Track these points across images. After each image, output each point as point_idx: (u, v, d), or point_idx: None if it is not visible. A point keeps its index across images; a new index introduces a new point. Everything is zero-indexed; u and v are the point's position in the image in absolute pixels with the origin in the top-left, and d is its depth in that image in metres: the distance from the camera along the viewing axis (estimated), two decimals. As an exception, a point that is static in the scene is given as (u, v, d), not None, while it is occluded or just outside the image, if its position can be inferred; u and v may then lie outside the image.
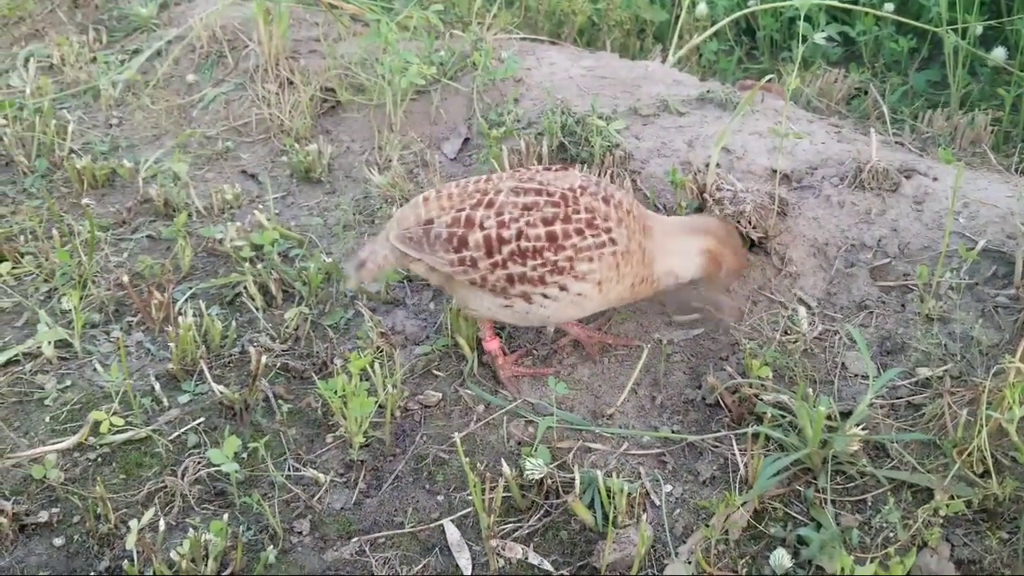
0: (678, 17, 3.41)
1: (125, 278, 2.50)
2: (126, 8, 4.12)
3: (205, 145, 3.29)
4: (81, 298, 2.49)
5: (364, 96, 3.19)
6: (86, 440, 2.11)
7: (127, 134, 3.42)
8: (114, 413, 2.13)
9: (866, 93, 3.15)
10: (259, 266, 2.56)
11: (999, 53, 3.05)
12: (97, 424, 2.10)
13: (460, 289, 2.04)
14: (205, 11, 3.78)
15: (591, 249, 1.92)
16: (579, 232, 1.92)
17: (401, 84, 2.97)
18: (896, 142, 2.76)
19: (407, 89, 3.03)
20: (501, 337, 2.23)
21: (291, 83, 3.34)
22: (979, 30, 3.06)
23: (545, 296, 1.95)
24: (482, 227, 1.94)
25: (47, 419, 2.19)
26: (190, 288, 2.59)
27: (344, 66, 3.26)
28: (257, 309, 2.47)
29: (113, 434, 2.11)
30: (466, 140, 2.98)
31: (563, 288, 1.93)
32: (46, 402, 2.24)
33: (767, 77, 2.71)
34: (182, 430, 2.13)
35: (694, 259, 2.03)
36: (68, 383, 2.30)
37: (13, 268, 2.69)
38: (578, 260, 1.92)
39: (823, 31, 2.86)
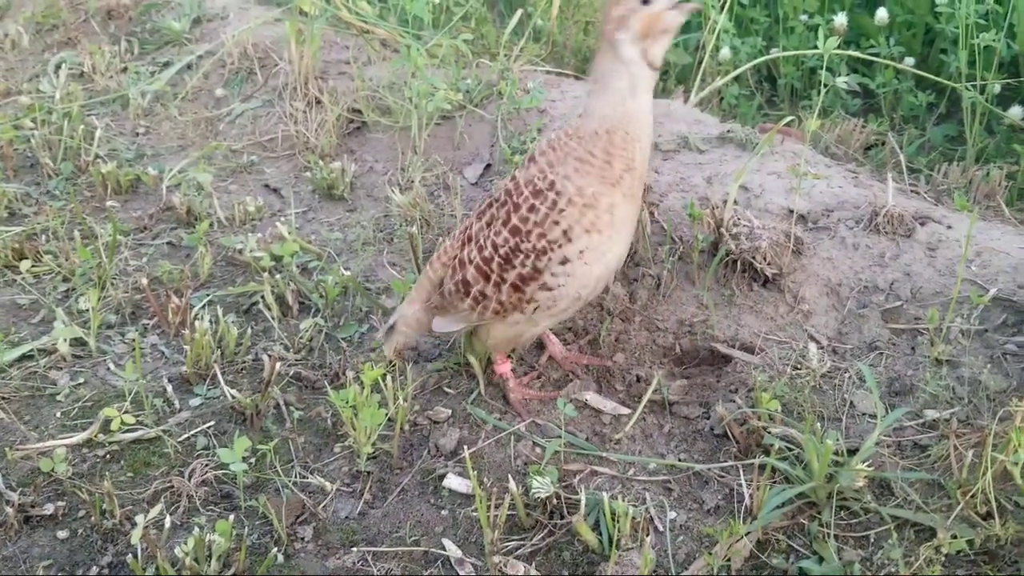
0: (701, 61, 3.47)
1: (144, 281, 2.54)
2: (160, 22, 4.21)
3: (230, 158, 3.34)
4: (99, 298, 2.52)
5: (390, 118, 3.24)
6: (96, 437, 2.12)
7: (153, 143, 3.48)
8: (125, 412, 2.15)
9: (884, 143, 3.19)
10: (277, 277, 2.59)
11: (1016, 111, 3.09)
12: (108, 421, 2.11)
13: (495, 329, 2.08)
14: (238, 28, 3.86)
15: (551, 214, 1.88)
16: (531, 208, 1.90)
17: (427, 108, 3.03)
18: (912, 191, 2.79)
19: (433, 114, 3.08)
20: (512, 359, 2.25)
21: (319, 102, 3.40)
22: (997, 88, 3.11)
23: (555, 276, 1.92)
24: (470, 261, 2.00)
25: (58, 414, 2.21)
26: (207, 295, 2.62)
27: (372, 88, 3.32)
28: (273, 319, 2.50)
29: (123, 432, 2.13)
30: (488, 166, 3.02)
31: (565, 260, 1.90)
32: (58, 398, 2.26)
33: (787, 119, 2.75)
34: (192, 432, 2.15)
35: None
36: (81, 380, 2.32)
37: (33, 266, 2.72)
38: (549, 230, 1.89)
39: (843, 80, 2.91)
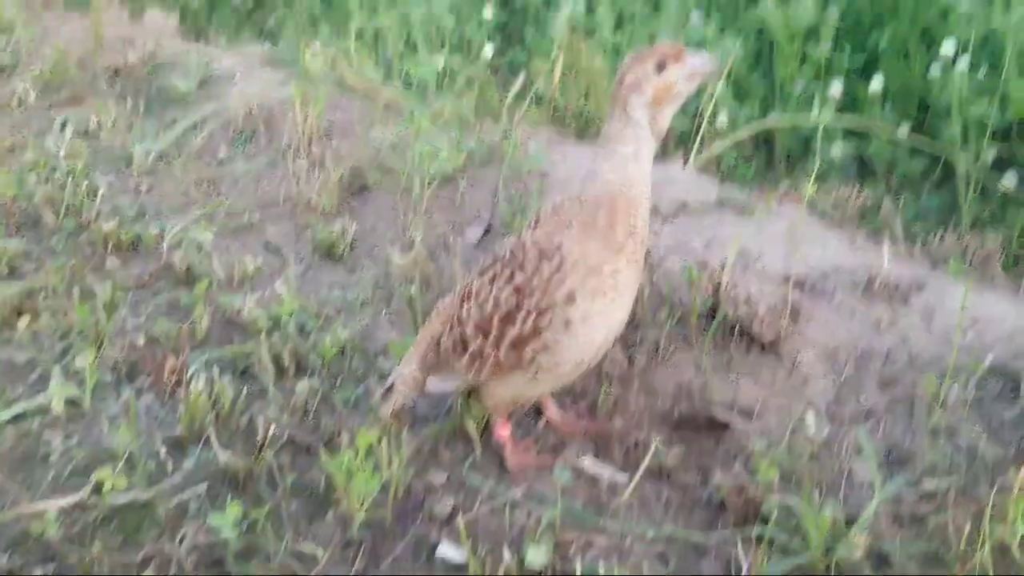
0: (700, 126, 3.51)
1: (141, 340, 2.54)
2: (166, 82, 4.27)
3: (231, 217, 3.37)
4: (96, 357, 2.52)
5: (392, 179, 3.28)
6: (88, 499, 2.10)
7: (155, 201, 3.50)
8: (118, 474, 2.14)
9: (879, 209, 3.21)
10: (274, 337, 2.59)
11: (1010, 179, 3.11)
12: (100, 484, 2.10)
13: (493, 389, 2.07)
14: (243, 89, 3.91)
15: (555, 275, 1.89)
16: (536, 270, 1.91)
17: (429, 170, 3.06)
18: (908, 257, 2.80)
19: (435, 175, 3.12)
20: (511, 423, 2.24)
21: (322, 163, 3.43)
22: (991, 156, 3.14)
23: (557, 338, 1.92)
24: (469, 318, 2.01)
25: (50, 475, 2.20)
26: (204, 355, 2.61)
27: (375, 149, 3.36)
28: (269, 380, 2.49)
29: (115, 495, 2.11)
30: (488, 227, 3.04)
31: (568, 323, 1.90)
32: (51, 458, 2.25)
33: (784, 187, 2.78)
34: (184, 495, 2.13)
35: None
36: (75, 441, 2.31)
37: (30, 323, 2.73)
38: (553, 291, 1.90)
39: (839, 147, 2.95)
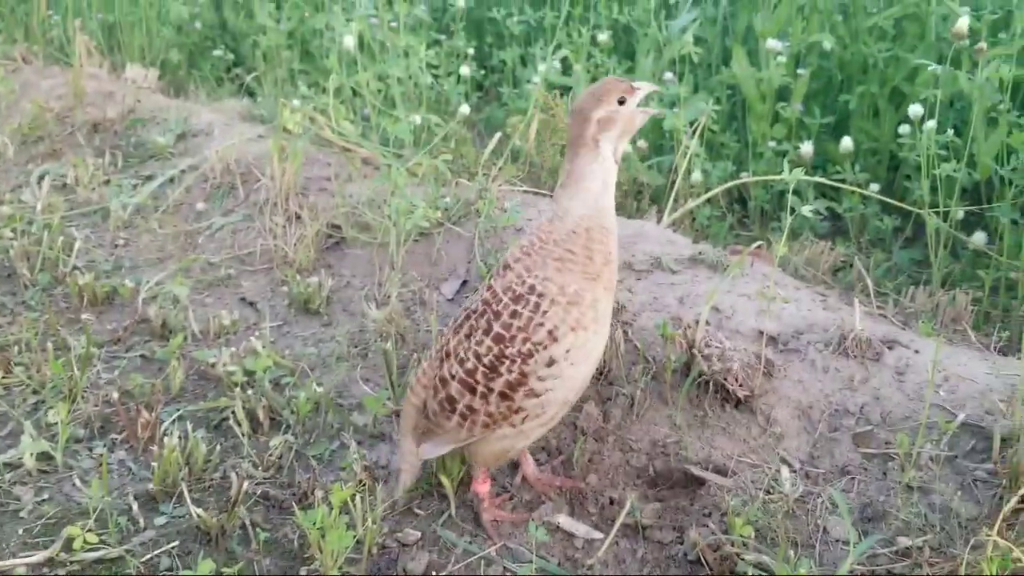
0: (674, 182, 3.56)
1: (115, 395, 2.52)
2: (145, 136, 4.29)
3: (208, 271, 3.36)
4: (68, 412, 2.50)
5: (369, 234, 3.29)
6: (58, 556, 2.07)
7: (132, 255, 3.50)
8: (89, 530, 2.11)
9: (851, 266, 3.26)
10: (249, 392, 2.58)
11: (979, 237, 3.18)
12: (71, 540, 2.07)
13: (483, 446, 2.06)
14: (221, 144, 3.93)
15: (535, 316, 1.91)
16: (513, 314, 1.93)
17: (406, 225, 3.08)
18: (880, 314, 2.84)
19: (411, 230, 3.13)
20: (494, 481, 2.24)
21: (299, 217, 3.44)
22: (960, 214, 3.20)
23: (543, 380, 1.93)
24: (452, 376, 2.00)
25: (20, 531, 2.16)
26: (178, 410, 2.60)
27: (352, 205, 3.37)
28: (243, 435, 2.48)
29: (86, 551, 2.08)
30: (464, 282, 3.06)
31: (551, 362, 1.92)
32: (21, 514, 2.22)
33: (756, 244, 2.82)
34: (156, 552, 2.10)
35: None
36: (46, 496, 2.28)
37: (3, 378, 2.70)
38: (534, 333, 1.91)
39: (811, 205, 2.99)
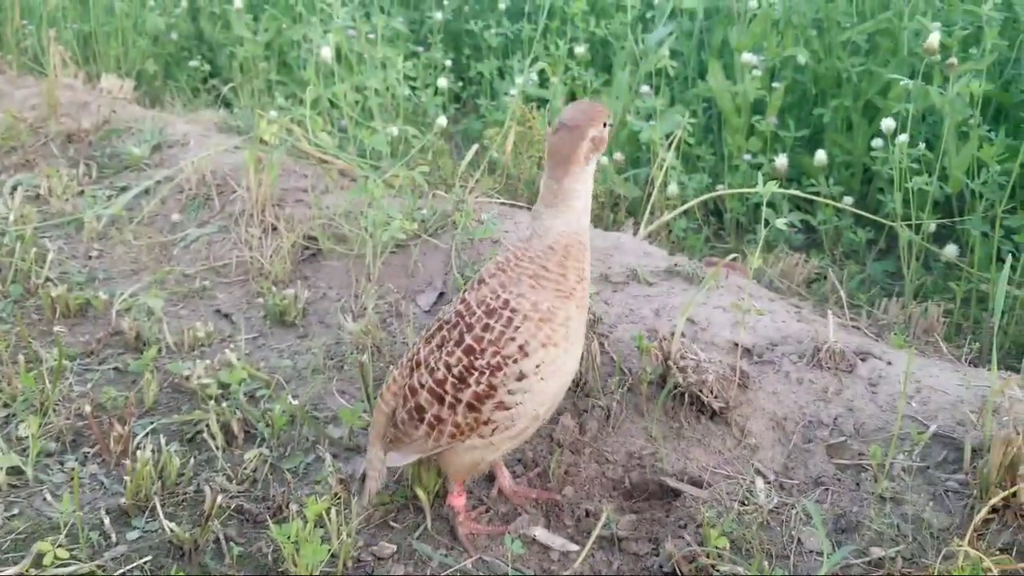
0: (650, 195, 3.58)
1: (87, 408, 2.50)
2: (120, 147, 4.26)
3: (182, 283, 3.34)
4: (40, 426, 2.47)
5: (345, 246, 3.28)
6: (28, 572, 2.04)
7: (106, 267, 3.47)
8: (59, 545, 2.08)
9: (825, 278, 3.29)
10: (223, 405, 2.56)
11: (951, 250, 3.21)
12: (41, 556, 2.04)
13: (452, 457, 2.06)
14: (197, 155, 3.92)
15: (506, 331, 1.92)
16: (486, 328, 1.93)
17: (382, 237, 3.07)
18: (853, 326, 2.87)
19: (388, 242, 3.13)
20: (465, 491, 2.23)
21: (275, 229, 3.43)
22: (932, 227, 3.24)
23: (512, 393, 1.93)
24: (422, 386, 2.01)
25: (-11, 547, 2.14)
26: (151, 423, 2.57)
27: (328, 216, 3.37)
28: (217, 448, 2.46)
29: (56, 567, 2.05)
30: (441, 294, 3.06)
31: (521, 376, 1.92)
32: (-10, 530, 2.19)
33: (732, 256, 2.84)
34: (128, 567, 2.08)
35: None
36: (16, 511, 2.25)
37: (-26, 391, 2.67)
38: (504, 347, 1.92)
39: (785, 217, 3.02)
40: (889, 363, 2.48)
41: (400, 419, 2.06)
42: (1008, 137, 3.15)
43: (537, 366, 1.93)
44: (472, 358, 1.94)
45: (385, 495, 2.27)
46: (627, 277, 2.90)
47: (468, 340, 1.94)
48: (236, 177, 3.75)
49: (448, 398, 1.97)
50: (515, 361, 1.92)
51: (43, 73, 5.16)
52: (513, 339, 1.92)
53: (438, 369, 1.98)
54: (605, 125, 1.97)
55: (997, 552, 1.91)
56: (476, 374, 1.94)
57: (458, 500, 2.17)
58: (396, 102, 4.08)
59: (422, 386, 2.01)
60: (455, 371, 1.96)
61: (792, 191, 3.26)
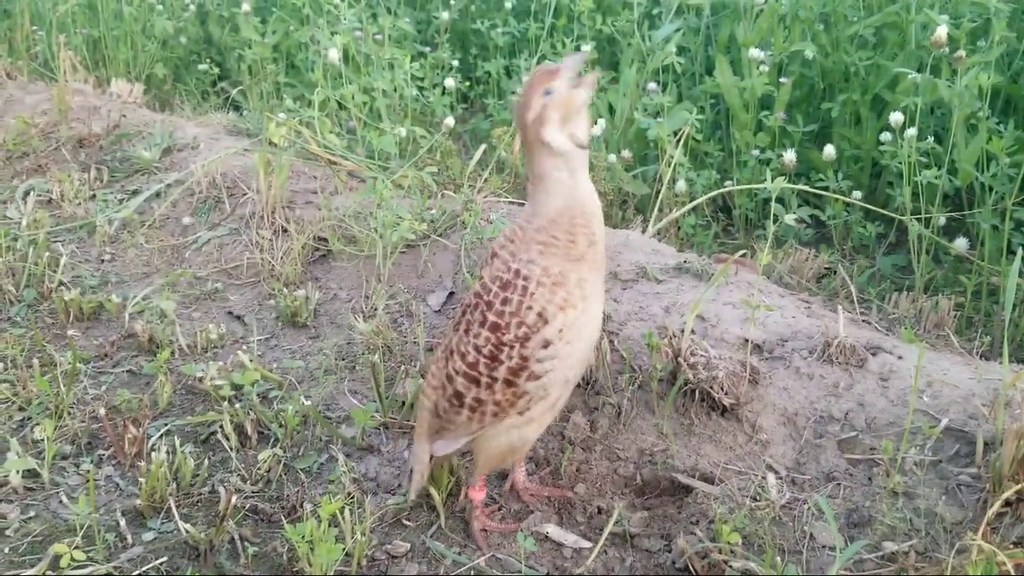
0: (659, 192, 3.58)
1: (101, 411, 2.51)
2: (130, 151, 4.28)
3: (194, 285, 3.36)
4: (55, 428, 2.49)
5: (355, 247, 3.30)
6: (45, 574, 2.06)
7: (118, 270, 3.49)
8: (76, 547, 2.10)
9: (835, 273, 3.29)
10: (237, 406, 2.58)
11: (961, 243, 3.21)
12: (58, 558, 2.06)
13: (494, 439, 2.07)
14: (207, 158, 3.94)
15: (524, 300, 1.92)
16: (504, 301, 1.93)
17: (392, 238, 3.09)
18: (863, 320, 2.86)
19: (397, 243, 3.14)
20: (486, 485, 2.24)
21: (285, 231, 3.45)
22: (942, 220, 3.23)
23: (541, 361, 1.93)
24: (457, 372, 2.01)
25: (7, 550, 2.15)
26: (166, 424, 2.59)
27: (338, 218, 3.38)
28: (231, 449, 2.47)
29: (73, 569, 2.07)
30: (451, 294, 3.07)
31: (547, 343, 1.92)
32: (7, 532, 2.20)
33: (741, 252, 2.84)
34: (144, 568, 2.09)
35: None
36: (32, 514, 2.27)
37: (-11, 395, 2.69)
38: (525, 316, 1.91)
39: (794, 213, 3.02)
40: (900, 357, 2.48)
41: (442, 408, 2.06)
42: (1017, 129, 3.14)
43: (560, 331, 1.92)
44: (499, 335, 1.94)
45: (399, 495, 2.29)
46: (636, 275, 2.91)
47: (491, 318, 1.94)
48: (246, 179, 3.77)
49: (484, 379, 1.97)
50: (538, 330, 1.91)
51: (53, 78, 5.20)
52: (531, 307, 1.91)
53: (468, 353, 1.98)
54: (549, 91, 1.88)
55: (1011, 546, 1.90)
56: (507, 349, 1.93)
57: (478, 494, 2.17)
58: (404, 103, 4.09)
59: (457, 372, 2.01)
60: (485, 351, 1.96)
61: (801, 186, 3.26)
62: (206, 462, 2.41)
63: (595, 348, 2.24)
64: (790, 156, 3.56)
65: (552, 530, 2.18)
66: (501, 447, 2.08)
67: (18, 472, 2.35)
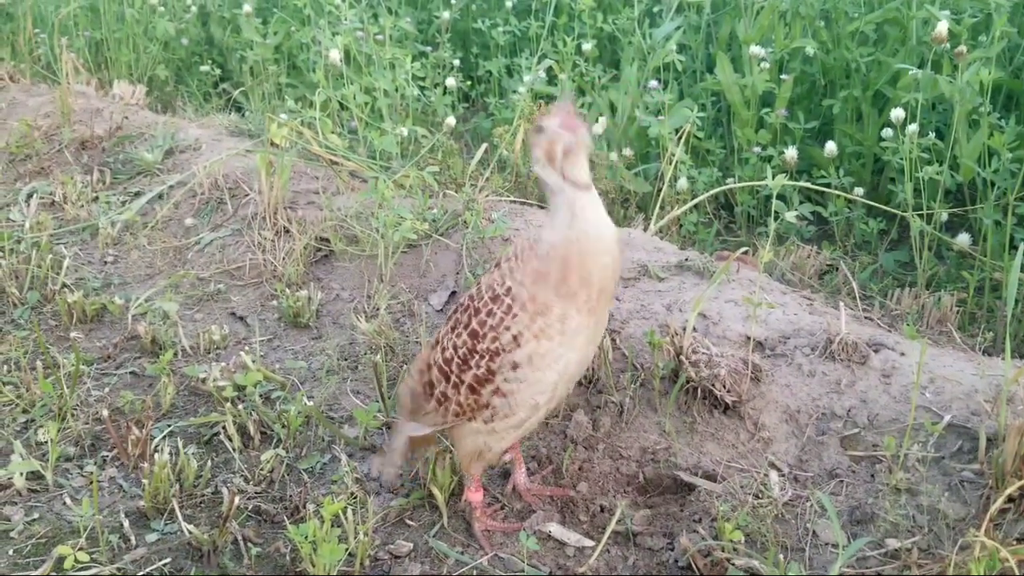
0: (660, 190, 3.58)
1: (105, 412, 2.52)
2: (132, 153, 4.29)
3: (197, 286, 3.37)
4: (58, 431, 2.50)
5: (357, 247, 3.30)
6: (49, 575, 2.07)
7: (121, 272, 3.50)
8: (80, 549, 2.10)
9: (837, 269, 3.28)
10: (240, 407, 2.59)
11: (963, 239, 3.20)
12: (62, 559, 2.07)
13: (461, 437, 2.10)
14: (209, 159, 3.94)
15: (504, 319, 1.92)
16: (489, 313, 1.95)
17: (394, 238, 3.09)
18: (866, 317, 2.86)
19: (399, 243, 3.15)
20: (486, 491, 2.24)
21: (287, 231, 3.45)
22: (944, 216, 3.23)
23: (508, 381, 1.95)
24: (434, 363, 2.07)
25: (11, 552, 2.16)
26: (169, 426, 2.60)
27: (340, 218, 3.38)
28: (234, 450, 2.48)
29: (77, 570, 2.07)
30: (453, 293, 3.07)
31: (515, 365, 1.93)
32: (11, 534, 2.21)
33: (743, 249, 2.84)
34: (147, 569, 2.10)
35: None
36: (36, 516, 2.28)
37: (-7, 397, 2.70)
38: (501, 334, 1.93)
39: (796, 210, 3.01)
40: (902, 354, 2.48)
41: (416, 392, 2.13)
42: (1019, 125, 3.14)
43: (530, 357, 1.93)
44: (475, 341, 1.97)
45: (401, 494, 2.29)
46: (638, 272, 2.91)
47: (474, 324, 1.98)
48: (248, 180, 3.78)
49: (453, 378, 2.02)
50: (509, 351, 1.93)
51: (56, 81, 5.21)
52: (508, 328, 1.92)
53: (447, 349, 2.03)
54: (540, 130, 1.86)
55: (1014, 542, 1.90)
56: (477, 357, 1.97)
57: (475, 496, 2.18)
58: (405, 103, 4.09)
59: (435, 364, 2.07)
60: (460, 352, 2.00)
61: (802, 183, 3.26)
62: (209, 463, 2.42)
63: (597, 348, 2.24)
64: (791, 153, 3.56)
65: (555, 529, 2.18)
66: (469, 448, 2.11)
67: (22, 474, 2.36)
